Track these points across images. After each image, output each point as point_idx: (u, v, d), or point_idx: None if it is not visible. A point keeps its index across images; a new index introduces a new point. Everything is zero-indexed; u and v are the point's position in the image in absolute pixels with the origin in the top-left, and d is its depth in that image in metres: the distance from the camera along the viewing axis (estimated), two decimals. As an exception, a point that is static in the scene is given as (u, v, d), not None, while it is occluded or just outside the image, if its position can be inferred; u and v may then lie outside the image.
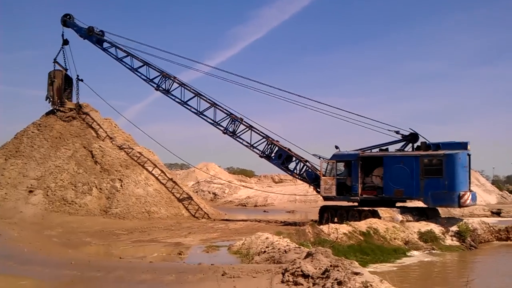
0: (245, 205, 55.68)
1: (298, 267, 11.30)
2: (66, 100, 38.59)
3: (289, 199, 54.23)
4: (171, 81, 34.66)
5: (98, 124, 37.85)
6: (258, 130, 32.40)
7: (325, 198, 29.74)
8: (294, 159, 31.52)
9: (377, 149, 28.96)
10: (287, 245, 16.52)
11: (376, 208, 26.27)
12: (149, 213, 31.87)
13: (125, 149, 36.72)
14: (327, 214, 28.66)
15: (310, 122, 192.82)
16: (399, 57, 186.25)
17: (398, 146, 28.87)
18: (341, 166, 29.39)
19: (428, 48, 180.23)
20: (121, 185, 33.02)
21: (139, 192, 33.09)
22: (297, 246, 16.55)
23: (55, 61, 38.89)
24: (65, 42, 39.35)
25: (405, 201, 29.24)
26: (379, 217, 25.16)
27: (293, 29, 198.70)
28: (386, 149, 28.81)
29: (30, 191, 31.51)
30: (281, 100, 31.71)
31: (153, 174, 35.59)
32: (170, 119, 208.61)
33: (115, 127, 39.57)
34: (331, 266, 11.10)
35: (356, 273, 10.24)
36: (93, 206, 31.22)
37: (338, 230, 20.85)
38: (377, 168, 28.36)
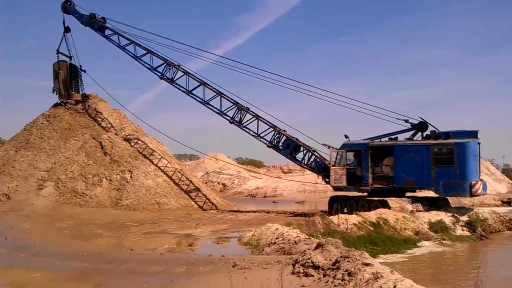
0: (254, 196, 55.74)
1: (309, 258, 11.32)
2: (73, 92, 38.29)
3: (299, 189, 54.26)
4: (175, 69, 34.25)
5: (107, 115, 37.93)
6: (265, 120, 32.18)
7: (335, 188, 29.68)
8: (302, 149, 31.29)
9: (387, 138, 28.83)
10: (297, 236, 16.53)
11: (385, 198, 26.20)
12: (159, 204, 31.98)
13: (134, 140, 36.82)
14: (336, 205, 28.61)
15: (317, 111, 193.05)
16: (401, 44, 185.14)
17: (407, 135, 28.74)
18: (350, 155, 29.26)
19: (433, 35, 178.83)
20: (130, 177, 33.14)
21: (148, 183, 33.21)
22: (307, 237, 16.57)
23: (58, 52, 38.43)
24: (67, 29, 38.79)
25: (415, 191, 29.08)
26: (389, 207, 25.09)
27: (299, 17, 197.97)
28: (396, 138, 28.63)
29: (41, 183, 31.70)
30: (287, 89, 32.32)
31: (162, 165, 35.67)
32: (178, 109, 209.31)
33: (123, 117, 39.64)
34: (341, 257, 11.11)
35: (367, 264, 10.24)
36: (104, 198, 31.38)
37: (347, 221, 20.82)
38: (387, 157, 28.25)
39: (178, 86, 34.25)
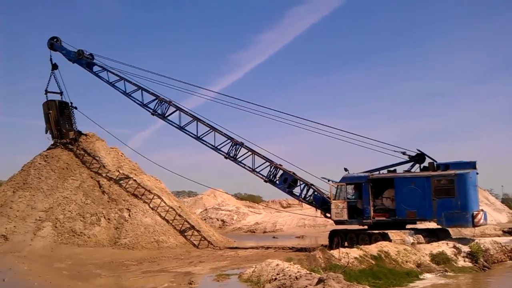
0: (254, 232, 55.34)
1: (310, 294, 11.19)
2: (65, 131, 38.00)
3: (298, 224, 53.93)
4: (167, 105, 33.99)
5: (105, 154, 37.95)
6: (261, 155, 32.01)
7: (337, 222, 29.33)
8: (299, 183, 31.00)
9: (385, 171, 28.87)
10: (298, 272, 16.35)
11: (386, 231, 26.08)
12: (158, 242, 31.72)
13: (132, 178, 36.73)
14: (337, 239, 28.48)
15: (314, 145, 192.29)
16: (398, 76, 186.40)
17: (405, 167, 28.83)
18: (350, 189, 29.14)
19: (427, 66, 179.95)
20: (129, 215, 32.96)
21: (147, 221, 33.00)
22: (308, 272, 16.39)
23: (46, 92, 38.24)
24: (54, 66, 38.41)
25: (415, 223, 29.00)
26: (390, 240, 24.96)
27: (294, 52, 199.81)
28: (394, 171, 28.69)
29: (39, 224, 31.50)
30: (284, 123, 31.71)
31: (161, 203, 35.50)
32: (175, 146, 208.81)
33: (121, 156, 39.67)
34: (343, 292, 10.99)
35: (370, 299, 10.13)
36: (102, 237, 31.14)
37: (348, 255, 20.64)
38: (387, 190, 28.20)
39: (170, 122, 34.12)
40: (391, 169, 28.79)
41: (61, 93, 38.44)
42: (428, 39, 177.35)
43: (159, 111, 34.25)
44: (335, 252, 20.97)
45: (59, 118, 37.48)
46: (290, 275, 15.86)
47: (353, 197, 28.84)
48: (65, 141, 38.25)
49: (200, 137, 33.05)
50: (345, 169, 29.41)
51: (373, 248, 22.36)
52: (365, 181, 28.16)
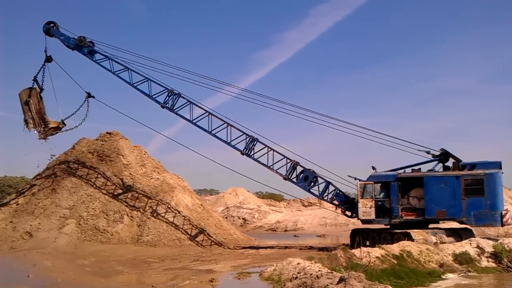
0: (275, 230, 55.41)
1: (331, 293, 11.17)
2: (49, 119, 34.74)
3: (319, 222, 53.85)
4: (176, 97, 32.51)
5: (128, 152, 38.28)
6: (279, 152, 31.15)
7: (364, 222, 28.94)
8: (321, 181, 30.41)
9: (409, 170, 28.65)
10: (319, 270, 16.33)
11: (409, 230, 25.93)
12: (180, 240, 31.93)
13: (155, 176, 37.03)
14: (358, 238, 28.41)
15: (335, 144, 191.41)
16: (419, 75, 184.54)
17: (428, 166, 28.65)
18: (378, 187, 28.79)
19: (449, 65, 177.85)
20: (151, 213, 33.24)
21: (169, 219, 33.24)
22: (329, 271, 16.36)
23: (35, 79, 34.82)
24: (49, 59, 34.96)
25: (438, 222, 28.82)
26: (412, 240, 24.81)
27: (317, 51, 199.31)
28: (419, 170, 28.50)
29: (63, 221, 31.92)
30: (306, 122, 31.55)
31: (182, 201, 35.74)
32: (198, 145, 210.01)
33: (144, 154, 39.99)
34: (364, 291, 10.94)
35: (391, 299, 10.07)
36: (125, 234, 31.45)
37: (370, 254, 20.57)
38: (414, 189, 28.01)
39: (181, 115, 32.71)
40: (416, 168, 28.59)
41: (41, 90, 34.96)
42: (449, 38, 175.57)
43: (168, 104, 32.71)
44: (356, 251, 20.92)
45: (41, 106, 34.65)
46: (311, 274, 15.84)
47: (381, 196, 28.52)
48: (47, 132, 34.91)
49: (213, 132, 31.81)
50: (373, 168, 29.03)
51: (395, 248, 22.25)
52: (393, 180, 27.94)
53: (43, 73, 34.79)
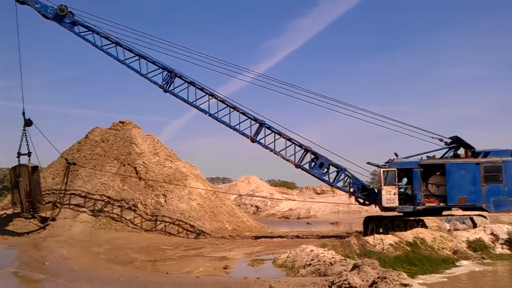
0: (288, 218, 55.56)
1: (345, 280, 11.19)
2: (38, 205, 29.99)
3: (332, 210, 53.87)
4: (171, 76, 30.08)
5: (141, 141, 38.47)
6: (291, 137, 29.99)
7: (387, 209, 28.27)
8: (336, 168, 29.64)
9: (424, 157, 28.48)
10: (333, 257, 16.38)
11: (422, 218, 25.88)
12: (193, 227, 32.13)
13: (168, 165, 37.20)
14: (371, 225, 28.40)
15: (347, 132, 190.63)
16: (433, 62, 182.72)
17: (439, 154, 28.57)
18: (400, 174, 28.27)
19: (460, 53, 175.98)
20: (165, 201, 33.44)
21: (183, 207, 33.43)
22: (342, 258, 16.40)
23: (19, 155, 30.19)
24: (28, 123, 30.55)
25: (450, 209, 28.76)
26: (426, 227, 24.75)
27: (328, 38, 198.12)
28: (434, 157, 28.38)
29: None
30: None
31: (196, 189, 35.92)
32: (212, 133, 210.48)
33: (157, 143, 40.19)
34: (378, 278, 10.96)
35: (405, 285, 10.09)
36: (139, 222, 31.71)
37: (383, 241, 20.55)
38: (432, 176, 27.91)
39: (177, 96, 30.21)
40: (430, 155, 28.45)
41: (29, 154, 30.36)
42: (461, 24, 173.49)
43: (164, 84, 30.16)
44: (369, 239, 20.92)
45: (31, 188, 29.64)
46: (324, 261, 15.89)
47: (402, 182, 28.15)
48: (35, 218, 30.80)
49: (215, 115, 29.88)
50: (395, 154, 28.53)
51: (408, 235, 22.22)
52: (416, 167, 27.80)
53: (26, 138, 30.45)
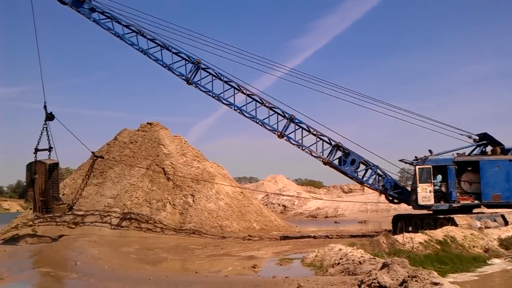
0: (315, 217, 55.43)
1: (375, 279, 11.12)
2: (52, 206, 28.21)
3: (360, 209, 53.54)
4: (199, 69, 28.83)
5: (169, 142, 38.80)
6: (324, 134, 29.09)
7: (422, 207, 27.74)
8: (368, 165, 28.96)
9: (454, 154, 28.10)
10: (362, 256, 16.29)
11: (452, 216, 25.55)
12: (222, 227, 32.29)
13: (195, 165, 37.44)
14: (401, 223, 28.11)
15: (370, 129, 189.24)
16: (460, 59, 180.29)
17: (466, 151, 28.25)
18: (434, 171, 27.70)
19: (493, 47, 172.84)
20: (193, 200, 33.68)
21: (210, 206, 33.63)
22: (371, 257, 16.30)
23: (36, 151, 28.40)
24: (50, 117, 28.80)
25: (479, 207, 28.31)
26: (456, 225, 24.44)
27: (353, 37, 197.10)
28: (464, 154, 27.99)
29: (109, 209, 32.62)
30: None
31: (223, 188, 36.09)
32: (238, 133, 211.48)
33: (184, 143, 40.50)
34: (408, 276, 10.86)
35: (436, 284, 9.97)
36: (168, 222, 31.98)
37: (413, 240, 20.36)
38: (465, 173, 27.54)
39: (202, 88, 29.05)
40: (460, 152, 28.06)
41: (50, 149, 28.61)
42: (490, 19, 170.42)
43: (189, 74, 28.91)
44: (399, 237, 20.74)
45: (47, 186, 27.96)
46: (353, 260, 15.82)
47: (437, 180, 27.66)
48: (50, 217, 30.94)
49: (243, 108, 28.89)
50: (430, 151, 28.07)
51: (438, 233, 21.97)
52: (450, 164, 27.43)
53: (47, 133, 28.57)
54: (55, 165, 28.33)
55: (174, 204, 33.34)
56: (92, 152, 32.01)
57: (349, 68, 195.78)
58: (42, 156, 28.61)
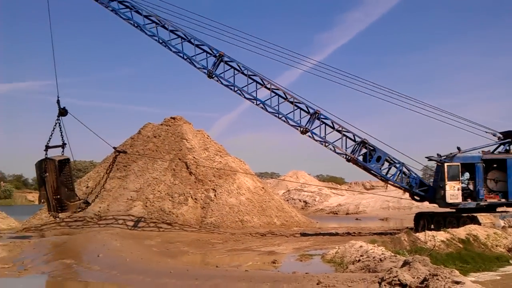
0: (336, 213, 55.25)
1: (395, 276, 11.07)
2: (67, 203, 27.03)
3: (382, 206, 53.25)
4: (221, 62, 28.35)
5: (191, 136, 39.01)
6: (349, 130, 28.61)
7: (450, 205, 27.27)
8: (393, 162, 28.50)
9: (479, 151, 27.73)
10: (382, 254, 16.21)
11: (475, 214, 25.27)
12: (242, 222, 32.41)
13: (217, 160, 37.61)
14: (423, 221, 27.89)
15: (398, 127, 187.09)
16: (486, 55, 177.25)
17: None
18: (462, 169, 27.27)
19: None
20: (214, 195, 33.86)
21: (232, 201, 33.77)
22: (392, 254, 16.21)
23: (47, 148, 26.99)
24: (63, 112, 27.60)
25: (506, 206, 27.92)
26: (479, 223, 24.17)
27: (379, 32, 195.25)
28: (489, 152, 27.60)
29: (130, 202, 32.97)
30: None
31: (245, 183, 36.20)
32: (261, 128, 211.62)
33: (207, 138, 40.69)
34: (430, 275, 10.79)
35: (457, 282, 9.90)
36: (189, 216, 32.19)
37: (435, 238, 20.19)
38: (491, 171, 27.18)
39: (224, 81, 28.62)
40: (485, 150, 27.69)
41: (63, 146, 27.54)
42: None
43: (210, 67, 28.43)
44: (421, 235, 20.59)
45: (59, 184, 26.78)
46: (374, 257, 15.76)
47: (464, 177, 27.25)
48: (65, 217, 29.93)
49: (267, 102, 28.46)
50: (458, 148, 27.54)
51: (461, 232, 21.74)
52: (478, 161, 27.05)
53: (60, 128, 27.35)
54: (66, 160, 27.32)
55: (195, 199, 33.56)
56: (114, 148, 31.92)
57: (374, 63, 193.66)
58: (55, 153, 27.52)
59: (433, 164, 29.17)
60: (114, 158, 32.28)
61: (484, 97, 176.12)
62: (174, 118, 40.63)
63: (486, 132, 27.84)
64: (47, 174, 26.36)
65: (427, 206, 30.85)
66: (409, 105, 28.70)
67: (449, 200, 26.77)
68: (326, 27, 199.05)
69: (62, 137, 27.36)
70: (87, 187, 35.24)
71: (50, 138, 27.10)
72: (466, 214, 25.80)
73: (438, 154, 27.67)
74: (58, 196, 26.64)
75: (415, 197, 29.07)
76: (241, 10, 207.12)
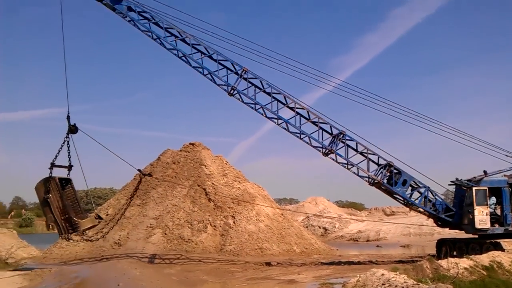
0: (356, 240, 54.68)
1: (418, 306, 10.92)
2: (77, 220, 24.62)
3: (403, 232, 52.58)
4: (240, 77, 27.53)
5: (210, 162, 39.14)
6: (375, 152, 27.91)
7: (478, 231, 26.52)
8: (419, 186, 27.90)
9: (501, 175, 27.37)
10: (405, 282, 15.97)
11: (499, 240, 24.85)
12: (262, 249, 32.21)
13: (236, 186, 37.61)
14: (445, 248, 27.49)
15: (418, 149, 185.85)
16: (503, 76, 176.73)
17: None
18: (489, 193, 26.73)
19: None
20: (233, 222, 33.78)
21: (251, 228, 33.64)
22: (415, 282, 15.96)
23: (52, 167, 25.05)
24: (72, 129, 25.80)
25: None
26: (502, 250, 23.76)
27: (395, 55, 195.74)
28: (511, 176, 27.18)
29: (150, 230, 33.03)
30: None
31: (264, 210, 36.09)
32: (279, 153, 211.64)
33: (226, 164, 40.78)
34: (453, 304, 10.62)
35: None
36: (209, 244, 32.13)
37: (458, 265, 19.84)
38: None
39: (243, 100, 27.91)
40: (508, 173, 27.30)
41: (69, 168, 25.75)
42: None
43: (230, 82, 27.69)
44: (443, 262, 20.26)
45: (65, 202, 24.82)
46: (396, 286, 15.54)
47: (490, 202, 26.69)
48: (77, 236, 27.56)
49: (290, 120, 27.78)
50: (484, 172, 27.01)
51: (484, 258, 21.34)
52: (505, 185, 26.64)
53: (68, 148, 25.50)
54: (67, 180, 25.54)
55: (214, 226, 33.51)
56: (139, 170, 31.47)
57: (390, 86, 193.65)
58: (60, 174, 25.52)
59: (453, 188, 28.81)
60: (138, 181, 32.22)
61: (497, 118, 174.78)
62: (193, 144, 40.90)
63: (507, 155, 27.44)
64: (50, 194, 24.56)
65: (448, 232, 30.37)
66: (430, 127, 28.25)
67: (478, 225, 26.09)
68: (343, 51, 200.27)
69: (70, 158, 25.52)
70: (107, 214, 35.47)
71: (56, 156, 25.19)
72: (489, 240, 25.35)
73: (456, 178, 27.34)
74: (67, 216, 24.60)
75: (439, 222, 28.62)
76: (256, 30, 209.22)
